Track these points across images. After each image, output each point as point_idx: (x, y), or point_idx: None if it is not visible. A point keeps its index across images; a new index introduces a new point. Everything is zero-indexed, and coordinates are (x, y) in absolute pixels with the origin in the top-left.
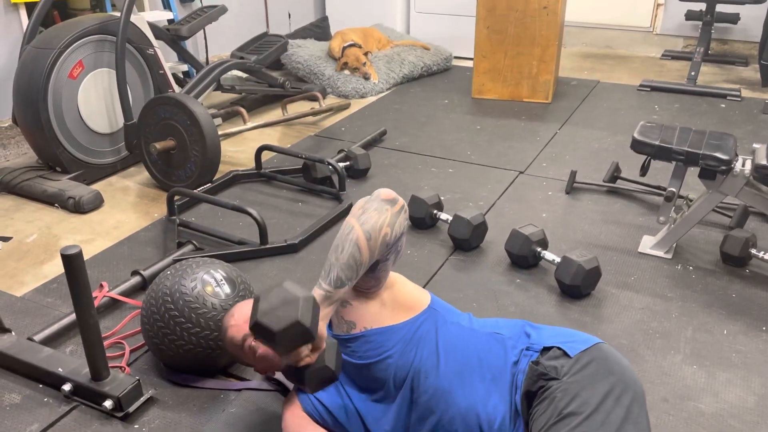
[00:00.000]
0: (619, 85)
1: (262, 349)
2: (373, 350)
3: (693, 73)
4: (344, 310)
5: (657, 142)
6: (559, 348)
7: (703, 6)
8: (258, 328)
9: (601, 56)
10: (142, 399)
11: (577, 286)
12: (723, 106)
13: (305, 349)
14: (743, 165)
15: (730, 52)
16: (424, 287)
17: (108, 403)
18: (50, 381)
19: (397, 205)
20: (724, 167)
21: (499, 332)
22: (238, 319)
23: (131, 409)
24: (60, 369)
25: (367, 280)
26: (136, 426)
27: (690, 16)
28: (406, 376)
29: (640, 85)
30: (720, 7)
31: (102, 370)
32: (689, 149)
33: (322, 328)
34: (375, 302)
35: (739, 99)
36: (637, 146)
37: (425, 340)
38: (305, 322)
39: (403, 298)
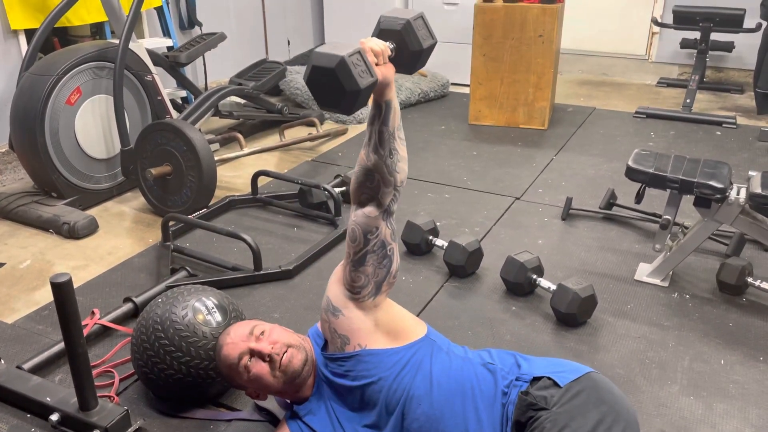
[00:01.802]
0: (615, 112)
1: (255, 368)
2: (367, 371)
3: (688, 101)
4: (336, 321)
5: (651, 170)
6: (549, 378)
7: (697, 34)
8: None
9: (598, 83)
10: (131, 430)
11: (572, 315)
12: (718, 133)
13: (384, 49)
14: (738, 193)
15: (725, 80)
16: (419, 314)
17: None
18: (38, 410)
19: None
20: (718, 196)
21: (492, 362)
22: (234, 338)
23: None
24: (48, 398)
25: (356, 276)
26: None
27: (685, 44)
28: (399, 401)
29: (636, 112)
30: (715, 36)
31: (90, 399)
32: (683, 177)
33: (392, 72)
34: (368, 319)
35: (734, 126)
36: (631, 174)
37: (419, 366)
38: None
39: (398, 325)
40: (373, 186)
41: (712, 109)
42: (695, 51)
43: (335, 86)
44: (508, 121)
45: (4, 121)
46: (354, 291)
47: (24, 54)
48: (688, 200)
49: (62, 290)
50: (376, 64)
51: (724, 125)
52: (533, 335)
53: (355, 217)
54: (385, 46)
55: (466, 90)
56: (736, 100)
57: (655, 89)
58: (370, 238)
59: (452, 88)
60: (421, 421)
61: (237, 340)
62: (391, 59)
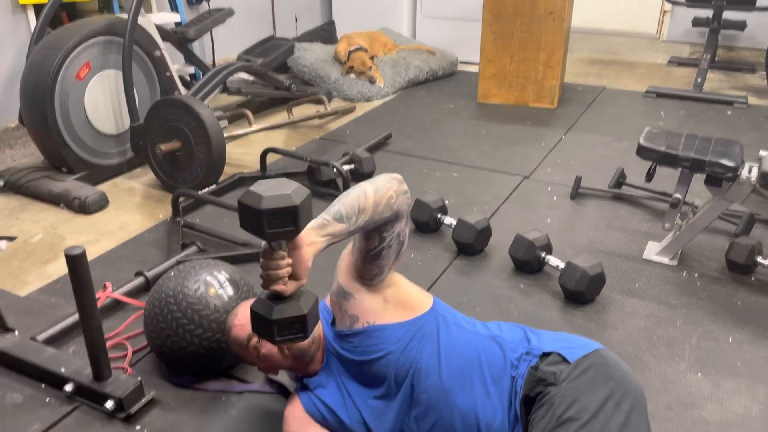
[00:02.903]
0: (625, 92)
1: (265, 348)
2: (374, 346)
3: (699, 80)
4: (347, 303)
5: (663, 149)
6: (558, 354)
7: (709, 13)
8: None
9: (608, 62)
10: (144, 400)
11: (581, 292)
12: (729, 113)
13: (283, 269)
14: (749, 172)
15: (736, 59)
16: (427, 291)
17: (110, 404)
18: (52, 381)
19: (403, 185)
20: (730, 174)
21: (501, 335)
22: (242, 319)
23: (133, 410)
24: (62, 369)
25: (370, 267)
26: (137, 427)
27: (697, 22)
28: (407, 373)
29: (646, 92)
30: (727, 14)
31: (104, 370)
32: (695, 156)
33: (308, 257)
34: (378, 298)
35: (745, 106)
36: (642, 152)
37: (427, 339)
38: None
39: (406, 297)
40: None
41: (723, 88)
42: (707, 30)
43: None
44: (518, 100)
45: (14, 95)
46: (367, 278)
47: (33, 29)
48: (698, 179)
49: (76, 262)
50: (291, 276)
51: (735, 105)
52: (541, 312)
53: None
54: (284, 270)
55: (475, 68)
56: (748, 80)
57: (666, 68)
58: (386, 235)
59: (461, 67)
60: (430, 393)
61: (244, 321)
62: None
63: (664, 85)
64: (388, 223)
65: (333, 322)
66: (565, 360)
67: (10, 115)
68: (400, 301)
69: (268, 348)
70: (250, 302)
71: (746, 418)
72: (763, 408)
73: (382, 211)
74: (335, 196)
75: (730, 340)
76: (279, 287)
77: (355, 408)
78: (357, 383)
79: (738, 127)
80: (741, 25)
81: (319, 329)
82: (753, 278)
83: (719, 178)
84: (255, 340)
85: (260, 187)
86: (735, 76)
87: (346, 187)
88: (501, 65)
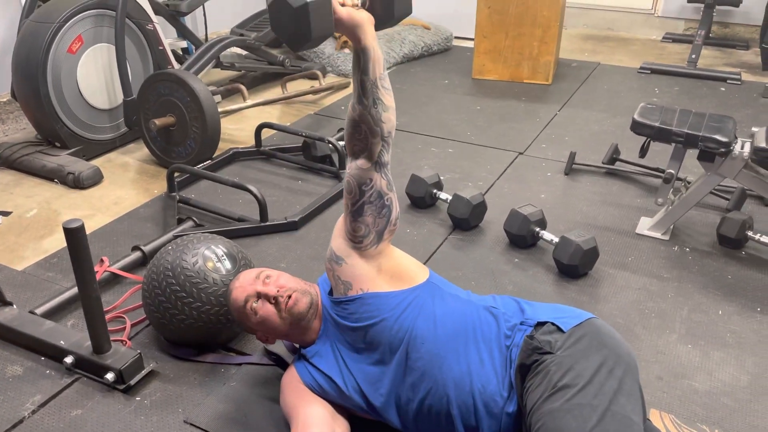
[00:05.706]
0: (619, 68)
1: (262, 311)
2: (369, 313)
3: (693, 56)
4: (339, 269)
5: (657, 124)
6: (552, 323)
7: None
8: None
9: (602, 38)
10: (144, 372)
11: (574, 266)
12: (723, 89)
13: None
14: (742, 147)
15: (731, 36)
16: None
17: (110, 376)
18: (52, 353)
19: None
20: (723, 149)
21: (495, 306)
22: (242, 282)
23: (133, 381)
24: (62, 342)
25: (356, 226)
26: (137, 398)
27: None
28: (402, 340)
29: (641, 68)
30: None
31: (104, 343)
32: (689, 131)
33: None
34: (371, 266)
35: (739, 82)
36: (637, 128)
37: (422, 307)
38: None
39: (402, 269)
40: (361, 137)
41: (717, 65)
42: (702, 5)
43: (283, 5)
44: (512, 76)
45: (5, 69)
46: (356, 240)
47: (24, 1)
48: (690, 156)
49: (75, 235)
50: (343, 4)
51: (728, 81)
52: (535, 285)
53: (350, 169)
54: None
55: (470, 44)
56: (742, 56)
57: (661, 44)
58: (365, 189)
59: (456, 42)
60: (425, 360)
61: (245, 284)
62: (366, 8)
63: (658, 62)
64: (367, 164)
65: (331, 292)
66: (559, 329)
67: (1, 90)
68: (394, 272)
69: (265, 311)
70: (250, 270)
71: (735, 387)
72: (752, 378)
73: (381, 110)
74: (330, 173)
75: (720, 312)
76: None
77: (351, 375)
78: (353, 350)
79: (731, 104)
80: (736, 1)
81: (316, 297)
82: (743, 252)
83: (712, 154)
84: (252, 302)
85: None
86: (729, 53)
87: (341, 162)
88: (496, 41)
